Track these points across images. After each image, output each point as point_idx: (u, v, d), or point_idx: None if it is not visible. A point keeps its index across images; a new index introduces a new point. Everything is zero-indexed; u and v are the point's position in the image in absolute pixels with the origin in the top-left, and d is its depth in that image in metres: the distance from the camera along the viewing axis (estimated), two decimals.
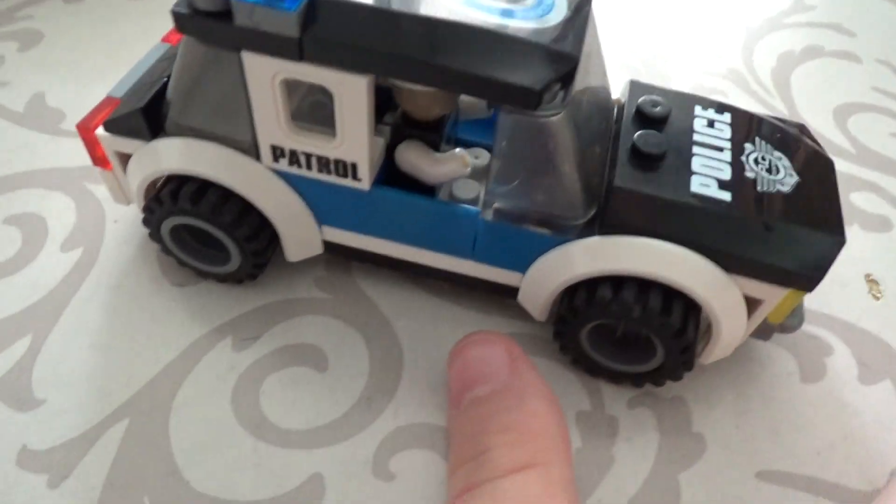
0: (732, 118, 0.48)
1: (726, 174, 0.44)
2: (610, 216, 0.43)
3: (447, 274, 0.50)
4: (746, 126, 0.48)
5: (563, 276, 0.45)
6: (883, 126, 0.73)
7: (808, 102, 0.75)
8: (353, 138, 0.42)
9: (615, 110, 0.49)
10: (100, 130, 0.48)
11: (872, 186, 0.66)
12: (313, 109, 0.45)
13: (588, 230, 0.44)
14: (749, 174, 0.44)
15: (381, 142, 0.47)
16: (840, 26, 0.86)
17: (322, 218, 0.49)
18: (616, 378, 0.49)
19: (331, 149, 0.43)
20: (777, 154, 0.46)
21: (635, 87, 0.49)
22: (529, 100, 0.37)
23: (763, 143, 0.47)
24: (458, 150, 0.46)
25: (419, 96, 0.44)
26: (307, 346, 0.49)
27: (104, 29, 0.74)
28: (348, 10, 0.37)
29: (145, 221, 0.49)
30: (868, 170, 0.68)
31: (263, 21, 0.37)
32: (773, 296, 0.43)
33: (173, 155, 0.46)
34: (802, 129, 0.50)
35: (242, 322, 0.50)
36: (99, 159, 0.49)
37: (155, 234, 0.50)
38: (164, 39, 0.53)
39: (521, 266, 0.47)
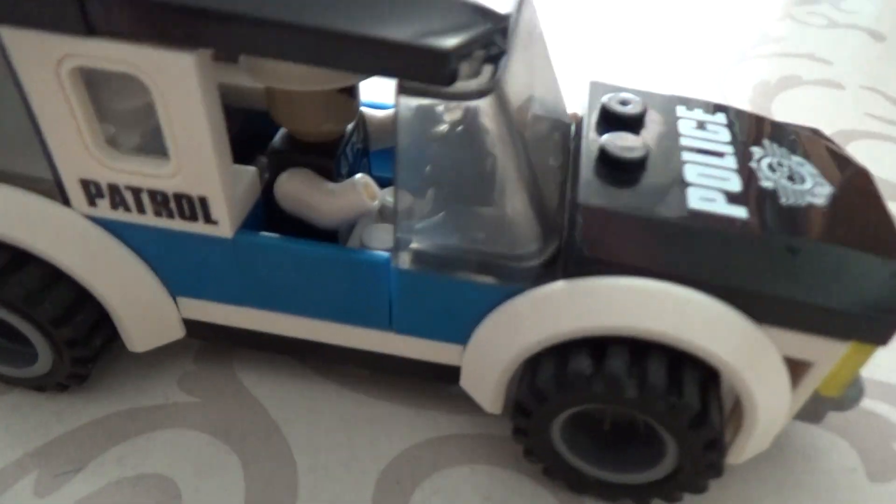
0: (729, 118, 0.36)
1: (735, 184, 0.31)
2: (579, 249, 0.29)
3: (360, 356, 0.35)
4: (748, 127, 0.36)
5: (518, 344, 0.30)
6: (888, 153, 0.62)
7: None
8: (194, 157, 0.29)
9: (573, 128, 0.37)
10: None
11: None
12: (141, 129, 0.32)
13: (548, 274, 0.30)
14: (766, 184, 0.31)
15: (250, 171, 0.33)
16: (814, 55, 0.78)
17: (176, 286, 0.34)
18: (608, 493, 0.33)
19: (166, 178, 0.30)
20: (796, 159, 0.34)
21: (597, 89, 0.37)
22: (437, 67, 0.24)
23: (775, 146, 0.35)
24: (358, 175, 0.33)
25: (302, 102, 0.32)
26: (153, 478, 0.33)
27: None
28: None
29: None
30: None
31: None
32: (826, 354, 0.29)
33: None
34: (817, 132, 0.38)
35: (59, 447, 0.34)
36: None
37: None
38: None
39: (460, 334, 0.33)
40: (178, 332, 0.36)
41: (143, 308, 0.34)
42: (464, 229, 0.30)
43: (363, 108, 0.37)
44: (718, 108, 0.37)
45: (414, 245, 0.30)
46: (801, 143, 0.35)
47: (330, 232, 0.34)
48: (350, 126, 0.35)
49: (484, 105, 0.26)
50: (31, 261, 0.32)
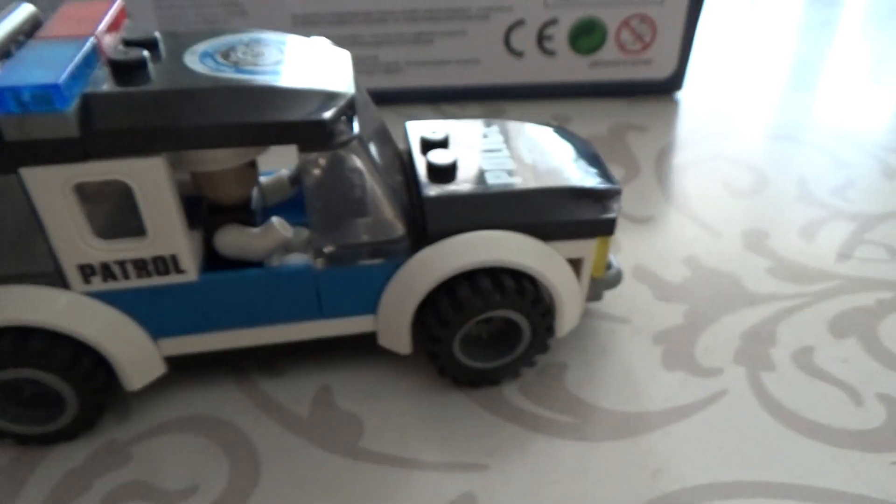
0: (499, 127, 0.56)
1: (511, 165, 0.50)
2: (432, 224, 0.46)
3: (297, 341, 0.49)
4: (511, 131, 0.56)
5: (413, 296, 0.47)
6: None
7: None
8: (166, 227, 0.42)
9: (406, 156, 0.54)
10: None
11: None
12: (114, 223, 0.44)
13: (416, 247, 0.47)
14: (528, 160, 0.51)
15: (197, 235, 0.46)
16: None
17: (156, 330, 0.46)
18: (490, 378, 0.50)
19: (145, 247, 0.42)
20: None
21: (413, 127, 0.55)
22: (323, 133, 0.40)
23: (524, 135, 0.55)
24: (272, 217, 0.48)
25: (221, 177, 0.46)
26: None
27: None
28: (121, 99, 0.38)
29: None
30: None
31: (36, 129, 0.36)
32: (588, 250, 0.49)
33: None
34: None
35: None
36: None
37: None
38: None
39: (372, 306, 0.48)
40: (161, 369, 0.48)
41: (132, 352, 0.46)
42: (354, 229, 0.46)
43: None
44: (491, 122, 0.57)
45: (325, 250, 0.45)
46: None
47: (258, 263, 0.48)
48: (254, 190, 0.50)
49: (352, 146, 0.42)
50: (58, 337, 0.43)
